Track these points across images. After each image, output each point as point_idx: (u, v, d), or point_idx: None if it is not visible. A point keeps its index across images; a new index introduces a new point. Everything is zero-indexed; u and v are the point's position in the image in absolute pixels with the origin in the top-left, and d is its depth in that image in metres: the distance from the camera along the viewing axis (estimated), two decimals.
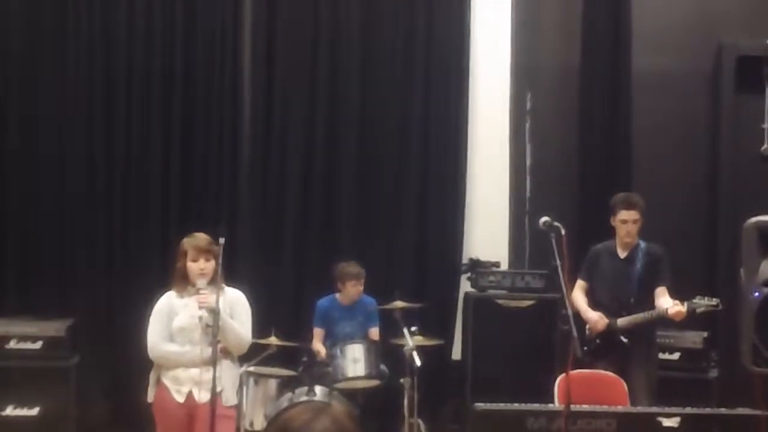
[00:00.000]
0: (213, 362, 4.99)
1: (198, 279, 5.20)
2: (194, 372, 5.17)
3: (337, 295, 7.40)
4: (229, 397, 5.25)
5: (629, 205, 6.46)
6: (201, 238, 5.31)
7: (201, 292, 5.15)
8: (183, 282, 5.30)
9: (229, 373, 5.25)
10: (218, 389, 5.08)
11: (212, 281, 5.25)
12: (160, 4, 7.89)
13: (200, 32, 7.97)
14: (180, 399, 5.21)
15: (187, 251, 5.26)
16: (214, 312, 5.05)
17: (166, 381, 5.25)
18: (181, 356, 5.20)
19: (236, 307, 5.30)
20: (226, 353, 5.21)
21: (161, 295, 5.40)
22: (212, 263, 5.25)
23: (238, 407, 5.70)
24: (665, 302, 6.18)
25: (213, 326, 5.02)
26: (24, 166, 7.86)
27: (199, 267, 5.22)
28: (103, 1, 7.84)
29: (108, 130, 7.89)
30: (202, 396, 5.14)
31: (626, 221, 6.44)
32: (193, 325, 5.20)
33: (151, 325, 5.30)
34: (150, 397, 5.32)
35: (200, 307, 5.13)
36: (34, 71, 7.86)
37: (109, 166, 7.89)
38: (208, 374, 5.08)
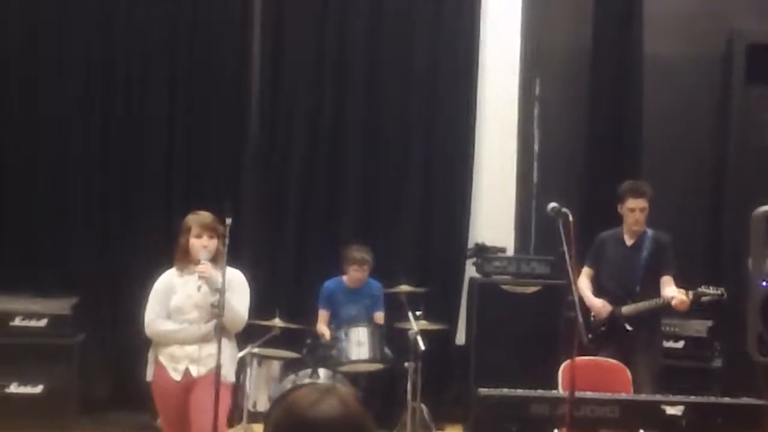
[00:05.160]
0: (218, 338, 4.97)
1: (201, 253, 5.17)
2: (190, 349, 5.17)
3: (344, 278, 7.39)
4: (227, 373, 5.18)
5: (637, 194, 6.44)
6: (205, 215, 5.29)
7: (202, 262, 5.13)
8: (185, 259, 5.27)
9: (226, 351, 5.16)
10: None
11: (216, 260, 5.22)
12: None
13: (211, 15, 7.96)
14: (177, 377, 5.19)
15: (190, 227, 5.24)
16: (218, 290, 5.02)
17: (163, 359, 5.23)
18: (176, 334, 5.19)
19: (233, 285, 5.23)
20: (223, 331, 5.13)
21: (162, 273, 5.38)
22: (215, 241, 5.23)
23: (236, 386, 5.68)
24: (671, 291, 6.17)
25: (219, 306, 5.00)
26: (26, 146, 7.86)
27: (202, 244, 5.19)
28: None
29: (112, 111, 7.89)
30: (200, 371, 5.15)
31: (634, 209, 6.43)
32: (190, 304, 5.19)
33: (149, 302, 5.28)
34: (149, 375, 5.30)
35: (200, 277, 5.13)
36: (38, 58, 7.86)
37: (113, 146, 7.90)
38: (203, 351, 5.12)
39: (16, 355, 7.04)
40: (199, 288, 5.16)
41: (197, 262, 5.16)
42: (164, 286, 5.29)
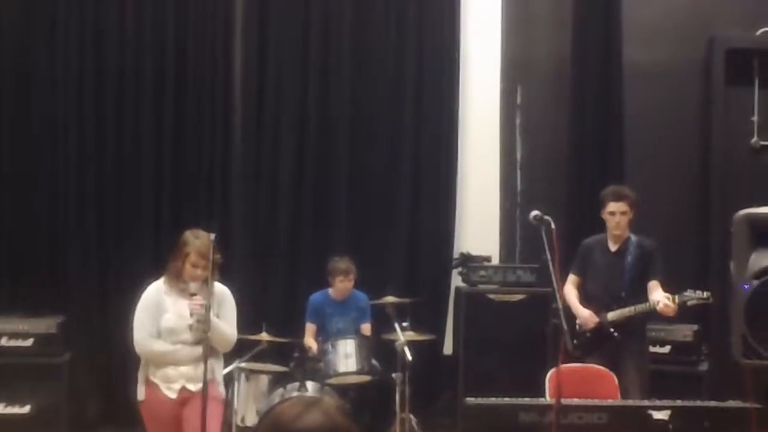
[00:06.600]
0: (204, 356, 4.96)
1: (192, 285, 5.11)
2: (184, 369, 5.14)
3: (330, 291, 7.39)
4: (221, 387, 5.23)
5: (617, 197, 6.47)
6: (204, 241, 5.13)
7: (194, 298, 5.06)
8: (177, 279, 5.19)
9: (217, 368, 5.20)
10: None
11: (205, 282, 5.17)
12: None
13: (192, 28, 7.96)
14: (172, 395, 5.16)
15: (189, 254, 5.12)
16: (205, 308, 5.01)
17: (156, 380, 5.17)
18: (172, 354, 5.14)
19: (223, 306, 5.22)
20: (212, 350, 5.12)
21: (149, 285, 5.31)
22: (208, 270, 5.13)
23: (225, 401, 5.66)
24: (657, 296, 6.18)
25: (203, 322, 4.99)
26: (16, 165, 7.84)
27: (197, 273, 5.11)
28: None
29: (99, 129, 7.88)
30: (197, 386, 5.08)
31: (614, 213, 6.44)
32: (183, 326, 5.13)
33: (137, 318, 5.19)
34: (140, 395, 5.23)
35: (192, 314, 5.08)
36: (26, 70, 7.86)
37: (100, 164, 7.88)
38: (199, 370, 5.05)
39: (4, 375, 7.02)
40: (190, 327, 5.11)
41: (190, 294, 5.09)
42: (154, 303, 5.20)
